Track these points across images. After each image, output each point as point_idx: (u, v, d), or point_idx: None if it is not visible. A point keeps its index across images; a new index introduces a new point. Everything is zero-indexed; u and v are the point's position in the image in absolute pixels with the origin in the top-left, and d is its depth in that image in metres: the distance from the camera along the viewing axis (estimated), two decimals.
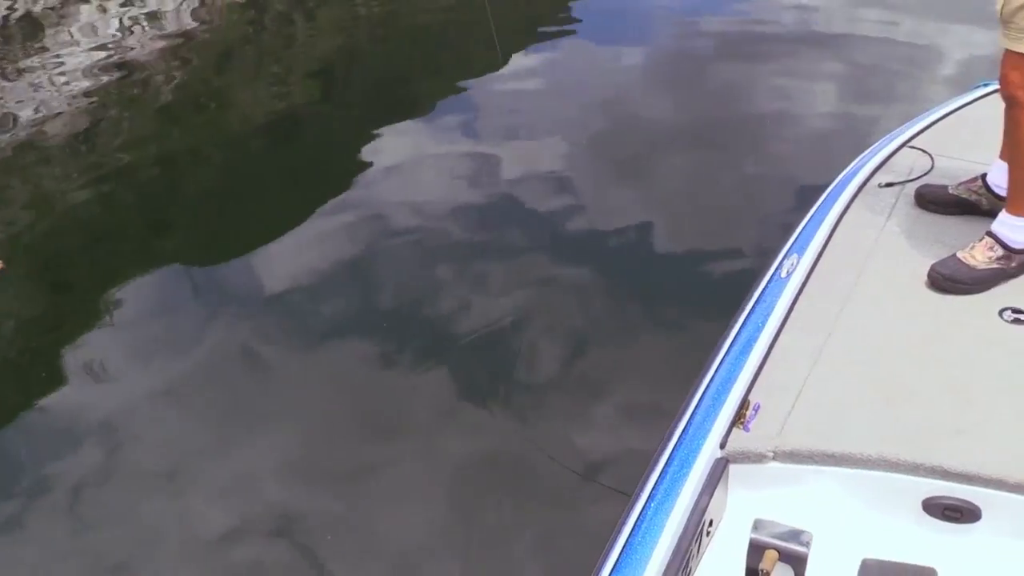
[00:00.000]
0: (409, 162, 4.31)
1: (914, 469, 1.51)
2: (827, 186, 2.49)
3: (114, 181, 4.39)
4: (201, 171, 4.61)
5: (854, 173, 2.41)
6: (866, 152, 2.58)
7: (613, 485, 2.34)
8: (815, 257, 2.05)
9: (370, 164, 4.30)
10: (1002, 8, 1.82)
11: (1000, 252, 1.96)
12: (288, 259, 3.54)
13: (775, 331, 1.82)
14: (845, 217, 2.20)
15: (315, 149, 4.69)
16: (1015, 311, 1.86)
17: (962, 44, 5.23)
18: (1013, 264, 1.97)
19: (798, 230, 2.24)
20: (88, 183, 4.35)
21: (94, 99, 5.24)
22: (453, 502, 2.41)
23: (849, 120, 4.37)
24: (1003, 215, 1.99)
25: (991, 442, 1.53)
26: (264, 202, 4.08)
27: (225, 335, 3.14)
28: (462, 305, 3.19)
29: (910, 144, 2.52)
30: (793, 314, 1.87)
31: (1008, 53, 1.84)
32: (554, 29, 6.19)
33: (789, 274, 1.99)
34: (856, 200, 2.27)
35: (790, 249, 2.15)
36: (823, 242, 2.10)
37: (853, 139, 4.06)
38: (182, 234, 3.97)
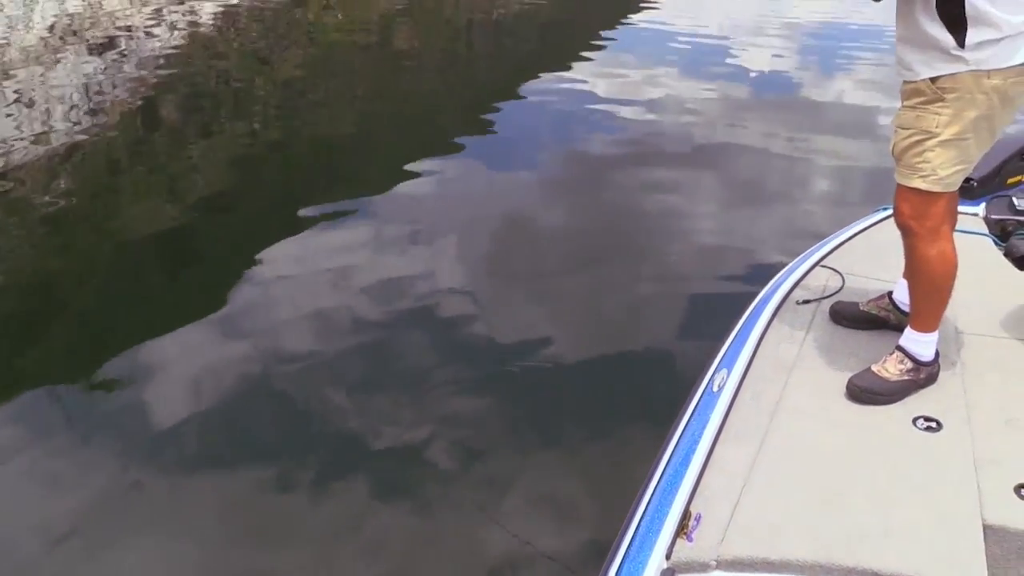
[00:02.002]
0: (303, 277, 4.46)
1: (847, 573, 1.73)
2: (744, 300, 2.84)
3: None
4: (81, 285, 4.60)
5: (774, 290, 2.76)
6: (784, 271, 2.96)
7: None
8: (743, 371, 2.33)
9: (262, 279, 4.44)
10: (893, 148, 2.23)
11: (910, 365, 2.29)
12: (172, 378, 3.56)
13: (711, 443, 2.05)
14: (768, 333, 2.51)
15: (204, 264, 4.79)
16: (927, 419, 2.16)
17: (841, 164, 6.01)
18: (922, 375, 2.30)
19: (726, 345, 2.54)
20: None
21: None
22: None
23: (736, 232, 4.89)
24: (909, 331, 2.33)
25: (917, 545, 1.77)
26: (147, 318, 4.09)
27: (103, 459, 3.09)
28: (359, 421, 3.27)
29: (822, 263, 2.92)
30: (727, 426, 2.11)
31: (900, 187, 2.23)
32: (455, 142, 6.69)
33: (720, 388, 2.25)
34: (777, 316, 2.60)
35: (720, 364, 2.43)
36: (749, 357, 2.39)
37: (740, 249, 4.56)
38: (57, 352, 3.93)
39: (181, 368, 3.63)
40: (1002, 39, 2.02)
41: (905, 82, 2.20)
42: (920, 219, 2.21)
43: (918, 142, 2.15)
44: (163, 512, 2.86)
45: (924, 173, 2.15)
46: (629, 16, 13.15)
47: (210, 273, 4.63)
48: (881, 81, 8.49)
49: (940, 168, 2.14)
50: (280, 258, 4.66)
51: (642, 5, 14.21)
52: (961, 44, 2.03)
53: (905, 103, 2.20)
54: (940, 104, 2.10)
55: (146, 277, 4.64)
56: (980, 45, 2.03)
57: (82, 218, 5.46)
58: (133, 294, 4.41)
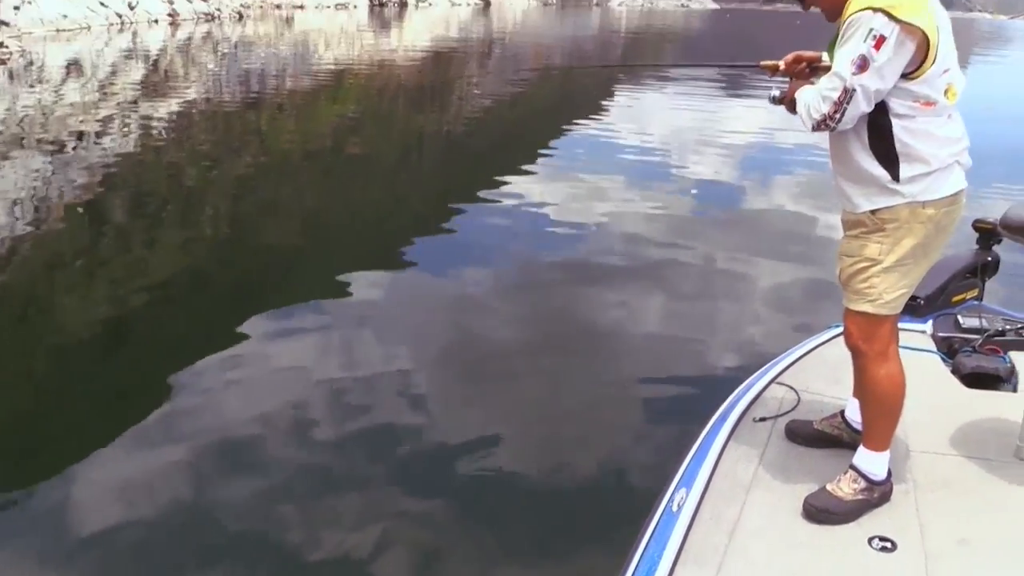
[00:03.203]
0: (248, 381, 4.47)
1: None
2: (702, 416, 2.95)
3: None
4: (14, 388, 4.54)
5: (731, 407, 2.89)
6: (741, 387, 3.10)
7: None
8: (702, 490, 2.42)
9: (205, 383, 4.43)
10: (840, 274, 2.41)
11: (863, 484, 2.40)
12: (107, 483, 3.52)
13: (671, 564, 2.11)
14: (726, 452, 2.62)
15: (144, 366, 4.76)
16: (881, 539, 2.25)
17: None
18: (876, 495, 2.41)
19: (685, 463, 2.63)
20: None
21: None
22: None
23: (692, 347, 4.99)
24: (861, 450, 2.46)
25: None
26: (83, 421, 4.07)
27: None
28: (303, 532, 3.24)
29: (778, 380, 3.07)
30: (686, 547, 2.18)
31: (848, 311, 2.40)
32: (406, 248, 6.91)
33: (680, 508, 2.33)
34: (734, 434, 2.72)
35: (679, 483, 2.51)
36: (708, 475, 2.48)
37: (697, 363, 4.68)
38: None
39: (117, 473, 3.59)
40: (932, 172, 2.26)
41: (846, 212, 2.40)
42: (868, 341, 2.37)
43: (863, 269, 2.34)
44: None
45: (871, 298, 2.34)
46: (575, 126, 13.77)
47: (150, 376, 4.59)
48: (820, 194, 8.89)
49: (885, 293, 2.32)
50: (224, 361, 4.68)
51: (588, 116, 14.90)
52: (896, 178, 2.26)
53: (848, 232, 2.41)
54: (881, 234, 2.31)
55: (84, 378, 4.61)
56: (913, 179, 2.25)
57: (19, 318, 5.42)
58: (70, 394, 4.38)
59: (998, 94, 20.72)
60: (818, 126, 2.27)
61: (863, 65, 2.15)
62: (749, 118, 15.03)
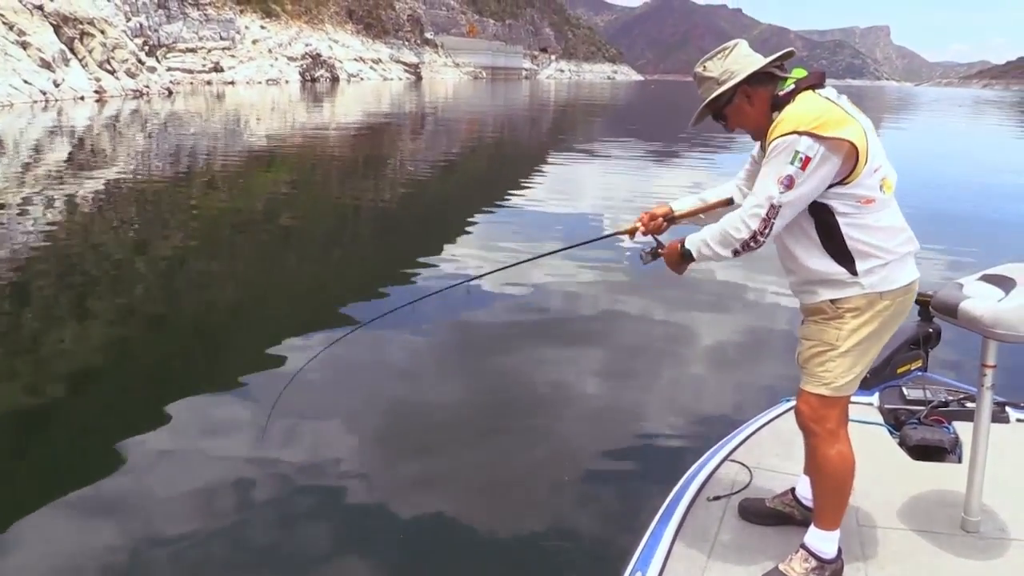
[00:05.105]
0: (179, 460, 4.32)
1: None
2: (658, 494, 2.96)
3: None
4: None
5: (686, 487, 2.92)
6: (695, 466, 3.13)
7: None
8: (658, 573, 2.39)
9: (134, 463, 4.26)
10: (798, 356, 2.48)
11: (814, 563, 2.44)
12: (33, 567, 3.36)
13: None
14: (681, 532, 2.63)
15: (72, 445, 4.60)
16: None
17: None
18: (827, 573, 2.44)
19: (641, 545, 2.64)
20: None
21: None
22: None
23: (645, 422, 4.91)
24: (812, 528, 2.51)
25: None
26: (9, 502, 3.88)
27: None
28: None
29: (731, 458, 3.09)
30: None
31: (802, 391, 2.46)
32: (340, 318, 6.82)
33: None
34: (690, 514, 2.74)
35: (635, 566, 2.51)
36: (664, 557, 2.49)
37: (653, 440, 4.66)
38: None
39: (42, 555, 3.44)
40: (888, 263, 2.39)
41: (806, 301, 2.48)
42: (820, 422, 2.43)
43: (820, 352, 2.43)
44: None
45: (826, 381, 2.42)
46: (508, 195, 14.03)
47: (77, 456, 4.41)
48: (759, 258, 9.04)
49: (840, 376, 2.41)
50: (154, 439, 4.51)
51: (519, 186, 15.21)
52: (854, 273, 2.37)
53: (809, 318, 2.51)
54: (839, 320, 2.42)
55: (7, 458, 4.40)
56: (871, 271, 2.38)
57: None
58: None
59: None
60: (745, 246, 2.38)
61: (790, 184, 2.28)
62: (676, 182, 15.49)
